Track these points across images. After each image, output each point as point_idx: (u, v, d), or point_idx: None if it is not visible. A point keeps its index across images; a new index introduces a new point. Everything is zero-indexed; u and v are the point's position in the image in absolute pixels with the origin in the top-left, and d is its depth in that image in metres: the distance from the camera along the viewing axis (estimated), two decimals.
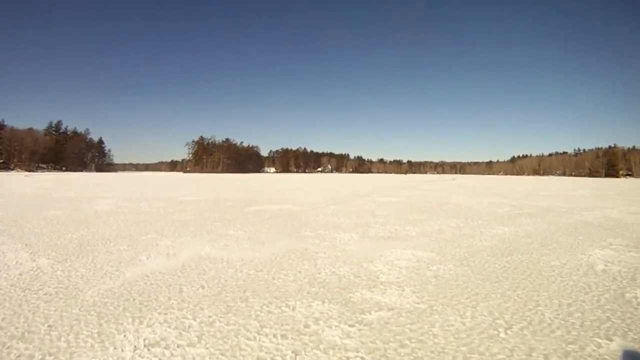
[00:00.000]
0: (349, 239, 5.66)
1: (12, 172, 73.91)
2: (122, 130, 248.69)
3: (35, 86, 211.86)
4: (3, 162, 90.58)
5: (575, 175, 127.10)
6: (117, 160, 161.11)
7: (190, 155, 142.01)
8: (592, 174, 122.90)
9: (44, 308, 2.80)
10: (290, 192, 16.49)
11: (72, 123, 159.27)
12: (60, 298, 3.02)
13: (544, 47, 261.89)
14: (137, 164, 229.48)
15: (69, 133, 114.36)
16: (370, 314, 2.72)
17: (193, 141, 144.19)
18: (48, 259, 4.36)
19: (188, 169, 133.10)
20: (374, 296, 3.11)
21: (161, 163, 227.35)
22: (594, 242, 5.58)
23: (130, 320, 2.58)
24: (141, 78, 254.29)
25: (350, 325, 2.51)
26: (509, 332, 2.43)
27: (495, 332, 2.42)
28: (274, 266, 4.06)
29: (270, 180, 40.24)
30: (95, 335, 2.35)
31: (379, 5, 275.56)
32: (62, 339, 2.30)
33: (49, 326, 2.48)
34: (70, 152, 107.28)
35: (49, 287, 3.32)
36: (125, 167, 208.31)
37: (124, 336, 2.33)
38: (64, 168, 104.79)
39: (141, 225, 6.86)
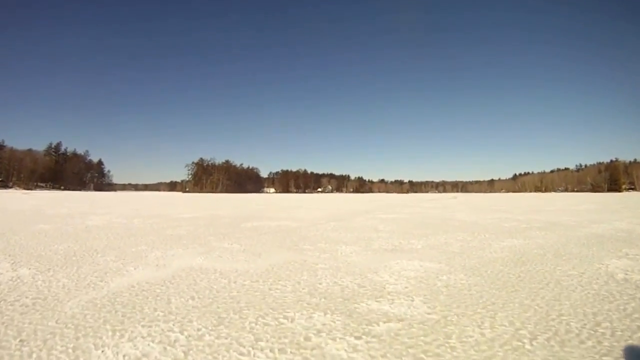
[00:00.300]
0: (351, 251, 5.38)
1: (9, 190, 73.70)
2: (121, 151, 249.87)
3: (36, 107, 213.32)
4: (1, 181, 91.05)
5: (577, 191, 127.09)
6: (116, 180, 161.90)
7: (190, 176, 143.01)
8: (595, 189, 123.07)
9: (18, 320, 2.54)
10: (290, 209, 16.09)
11: (72, 144, 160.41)
12: (37, 310, 2.77)
13: (542, 62, 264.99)
14: (137, 184, 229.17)
15: (68, 154, 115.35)
16: (378, 325, 2.45)
17: (193, 163, 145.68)
18: (30, 269, 4.10)
19: (187, 189, 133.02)
20: (382, 307, 2.83)
21: (160, 184, 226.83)
22: (609, 252, 5.31)
23: (110, 333, 2.32)
24: (140, 99, 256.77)
25: (356, 338, 2.24)
26: (534, 343, 2.16)
27: (520, 344, 2.15)
28: (270, 277, 3.78)
29: (270, 199, 40.07)
30: (70, 350, 2.10)
31: (377, 24, 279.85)
32: (34, 355, 2.04)
33: (20, 340, 2.22)
34: (69, 172, 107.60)
35: (26, 297, 3.07)
36: (124, 188, 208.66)
37: (102, 352, 2.07)
38: (62, 187, 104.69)
39: (132, 239, 6.58)
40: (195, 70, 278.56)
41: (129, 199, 35.08)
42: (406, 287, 3.38)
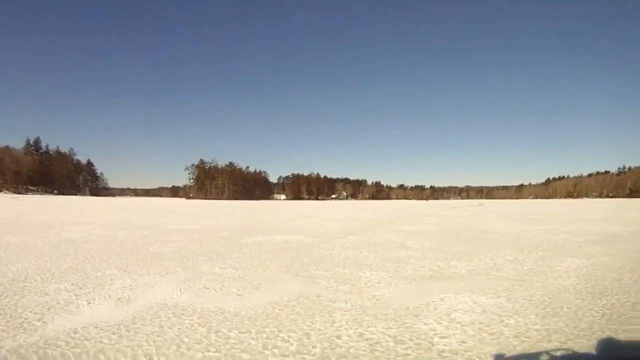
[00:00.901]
0: (378, 279, 4.53)
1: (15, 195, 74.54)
2: (119, 153, 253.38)
3: (11, 101, 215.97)
4: None
5: (613, 197, 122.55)
6: (114, 184, 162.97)
7: (192, 180, 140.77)
8: (633, 194, 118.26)
9: None
10: (301, 219, 15.37)
11: (61, 144, 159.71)
12: None
13: (578, 54, 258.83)
14: (136, 189, 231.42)
15: (51, 152, 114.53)
16: None
17: (193, 165, 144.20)
18: None
19: (191, 195, 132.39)
20: None
21: (162, 189, 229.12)
22: None
23: None
24: (136, 97, 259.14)
25: None
26: None
27: None
28: (268, 324, 2.95)
29: (279, 207, 39.31)
30: None
31: (398, 24, 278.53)
32: None
33: None
34: (58, 174, 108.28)
35: None
36: (123, 192, 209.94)
37: None
38: (55, 191, 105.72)
39: (103, 258, 5.88)
40: (198, 68, 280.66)
41: (125, 205, 34.85)
42: (464, 342, 2.53)
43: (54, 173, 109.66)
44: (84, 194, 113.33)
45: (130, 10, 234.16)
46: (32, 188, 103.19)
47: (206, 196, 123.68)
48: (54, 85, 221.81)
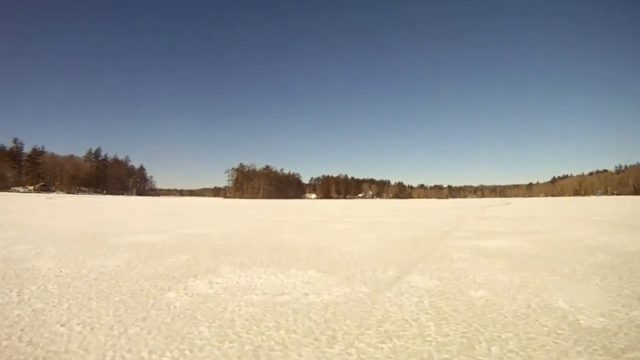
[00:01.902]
0: None
1: (45, 194, 73.47)
2: (168, 158, 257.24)
3: (76, 115, 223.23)
4: (44, 185, 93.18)
5: (617, 194, 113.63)
6: (162, 185, 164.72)
7: (231, 182, 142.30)
8: (638, 191, 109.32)
9: None
10: (326, 225, 9.44)
11: (114, 151, 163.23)
12: None
13: (580, 60, 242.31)
14: (182, 190, 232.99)
15: (109, 160, 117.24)
16: None
17: (233, 169, 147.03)
18: None
19: (228, 194, 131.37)
20: None
21: (205, 189, 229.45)
22: None
23: None
24: (183, 106, 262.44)
25: None
26: None
27: None
28: None
29: (309, 205, 34.01)
30: None
31: (420, 26, 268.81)
32: None
33: None
34: (110, 177, 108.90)
35: None
36: (169, 192, 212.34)
37: None
38: (104, 191, 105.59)
39: None
40: (239, 79, 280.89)
41: (148, 204, 30.35)
42: None
43: (108, 177, 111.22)
44: (130, 194, 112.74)
45: (169, 24, 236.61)
46: (83, 189, 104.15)
47: (242, 196, 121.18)
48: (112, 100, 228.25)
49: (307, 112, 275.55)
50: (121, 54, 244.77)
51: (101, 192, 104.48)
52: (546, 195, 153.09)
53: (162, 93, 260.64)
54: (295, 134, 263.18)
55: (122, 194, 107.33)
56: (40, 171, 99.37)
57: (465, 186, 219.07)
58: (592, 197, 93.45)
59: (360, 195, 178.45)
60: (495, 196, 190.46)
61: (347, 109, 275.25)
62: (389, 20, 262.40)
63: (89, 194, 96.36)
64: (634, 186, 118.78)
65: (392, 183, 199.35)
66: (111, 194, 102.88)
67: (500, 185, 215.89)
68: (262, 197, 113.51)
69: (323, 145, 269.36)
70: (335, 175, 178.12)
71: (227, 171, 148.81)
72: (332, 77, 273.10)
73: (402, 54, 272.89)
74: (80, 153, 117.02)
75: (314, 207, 25.24)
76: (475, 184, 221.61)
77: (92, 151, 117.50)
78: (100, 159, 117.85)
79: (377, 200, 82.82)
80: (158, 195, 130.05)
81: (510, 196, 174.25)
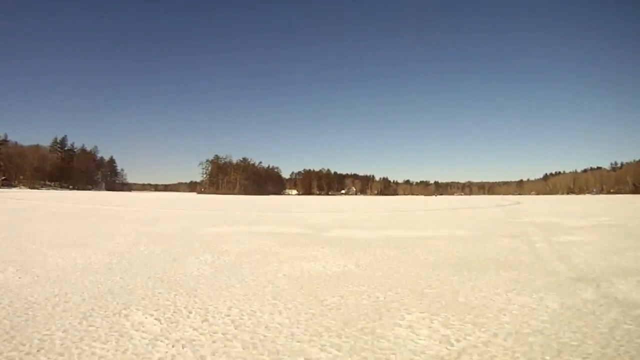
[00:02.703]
0: None
1: (11, 190, 68.77)
2: (141, 151, 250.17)
3: (41, 101, 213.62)
4: (5, 179, 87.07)
5: (614, 192, 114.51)
6: (136, 180, 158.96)
7: (205, 175, 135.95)
8: (638, 189, 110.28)
9: None
10: (308, 265, 7.07)
11: (87, 143, 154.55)
12: None
13: (572, 54, 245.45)
14: (157, 185, 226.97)
15: (76, 150, 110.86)
16: None
17: (207, 160, 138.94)
18: None
19: (203, 189, 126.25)
20: None
21: (180, 184, 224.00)
22: None
23: None
24: (158, 96, 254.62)
25: None
26: None
27: None
28: None
29: (284, 205, 31.68)
30: None
31: (400, 20, 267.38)
32: None
33: None
34: (77, 170, 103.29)
35: None
36: (144, 187, 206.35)
37: None
38: (70, 186, 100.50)
39: None
40: (214, 68, 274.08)
41: (103, 199, 27.49)
42: None
43: (74, 169, 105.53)
44: (100, 189, 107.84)
45: (141, 8, 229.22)
46: (49, 184, 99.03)
47: (217, 191, 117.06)
48: (79, 88, 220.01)
49: (288, 104, 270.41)
50: (89, 36, 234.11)
51: (67, 187, 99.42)
52: (538, 193, 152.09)
53: (136, 80, 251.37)
54: (276, 125, 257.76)
55: (90, 189, 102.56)
56: (1, 163, 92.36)
57: (452, 182, 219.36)
58: (588, 196, 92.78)
59: (343, 191, 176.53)
60: (484, 193, 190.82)
61: (330, 100, 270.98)
62: (375, 14, 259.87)
63: (54, 188, 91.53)
64: (633, 184, 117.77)
65: (377, 178, 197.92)
66: (77, 188, 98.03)
67: (488, 182, 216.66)
68: (239, 193, 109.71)
69: (304, 138, 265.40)
70: (317, 169, 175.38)
71: (200, 163, 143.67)
72: (315, 67, 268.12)
73: (385, 46, 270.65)
74: (45, 142, 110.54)
75: (291, 207, 22.24)
76: (462, 181, 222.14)
77: (58, 140, 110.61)
78: (66, 149, 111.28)
79: (364, 198, 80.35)
80: (130, 190, 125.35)
81: (500, 193, 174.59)
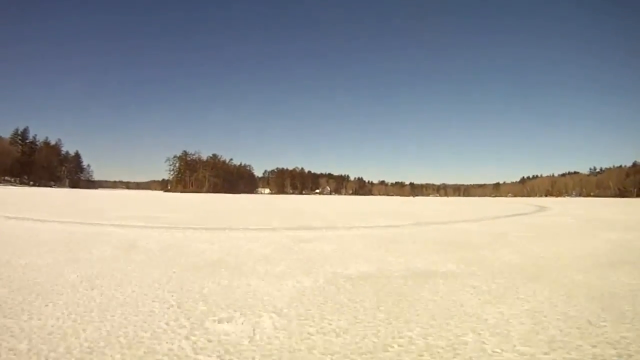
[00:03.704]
0: None
1: None
2: (112, 146, 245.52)
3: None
4: None
5: (596, 196, 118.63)
6: (108, 177, 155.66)
7: (172, 173, 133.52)
8: (623, 193, 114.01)
9: None
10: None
11: (52, 134, 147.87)
12: None
13: (551, 56, 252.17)
14: (128, 182, 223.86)
15: (37, 143, 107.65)
16: None
17: (175, 156, 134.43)
18: None
19: (169, 188, 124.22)
20: None
21: (152, 182, 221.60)
22: None
23: None
24: (130, 85, 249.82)
25: None
26: None
27: None
28: None
29: (245, 205, 32.79)
30: None
31: (378, 22, 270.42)
32: None
33: None
34: (38, 165, 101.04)
35: None
36: (115, 185, 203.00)
37: None
38: (31, 182, 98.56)
39: None
40: (186, 62, 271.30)
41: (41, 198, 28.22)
42: None
43: (36, 164, 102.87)
44: (63, 186, 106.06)
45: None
46: (8, 179, 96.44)
47: (184, 189, 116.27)
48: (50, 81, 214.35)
49: (261, 100, 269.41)
50: (53, 23, 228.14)
51: (27, 183, 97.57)
52: (515, 196, 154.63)
53: (113, 73, 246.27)
54: (248, 123, 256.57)
55: (52, 186, 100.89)
56: None
57: (427, 184, 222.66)
58: (568, 198, 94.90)
59: (317, 190, 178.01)
60: (460, 195, 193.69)
61: (305, 98, 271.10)
62: (351, 12, 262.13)
63: (13, 184, 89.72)
64: (619, 189, 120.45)
65: (352, 178, 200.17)
66: (38, 185, 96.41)
67: (464, 185, 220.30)
68: (208, 191, 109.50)
69: (278, 137, 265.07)
70: (290, 168, 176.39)
71: (167, 159, 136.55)
72: (290, 64, 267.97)
73: (362, 45, 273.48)
74: (5, 134, 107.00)
75: (249, 209, 22.86)
76: (437, 182, 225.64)
77: (19, 132, 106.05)
78: (28, 141, 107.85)
79: (340, 198, 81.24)
80: (96, 188, 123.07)
81: (475, 195, 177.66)
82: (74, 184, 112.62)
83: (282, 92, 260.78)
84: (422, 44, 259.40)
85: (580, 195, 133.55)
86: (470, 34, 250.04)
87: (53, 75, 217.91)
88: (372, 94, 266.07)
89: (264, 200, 35.92)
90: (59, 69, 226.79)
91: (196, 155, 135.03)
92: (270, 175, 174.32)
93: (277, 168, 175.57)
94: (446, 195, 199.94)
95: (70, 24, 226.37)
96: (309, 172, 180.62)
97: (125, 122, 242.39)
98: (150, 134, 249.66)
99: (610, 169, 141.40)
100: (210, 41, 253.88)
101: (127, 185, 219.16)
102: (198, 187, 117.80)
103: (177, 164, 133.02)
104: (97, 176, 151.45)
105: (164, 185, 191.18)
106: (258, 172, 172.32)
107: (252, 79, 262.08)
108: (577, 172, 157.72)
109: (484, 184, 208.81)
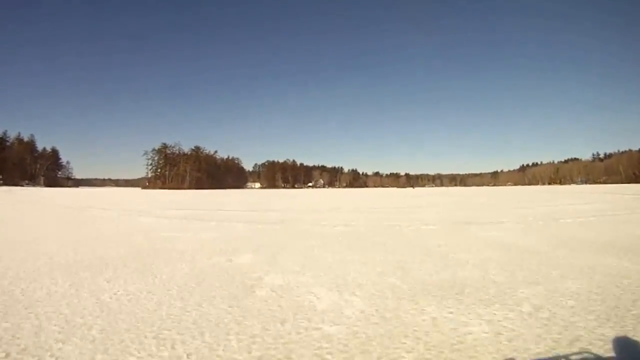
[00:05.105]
0: None
1: None
2: (100, 142, 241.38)
3: None
4: None
5: (603, 182, 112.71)
6: (97, 175, 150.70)
7: (150, 167, 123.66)
8: (638, 179, 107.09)
9: None
10: None
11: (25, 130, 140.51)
12: None
13: (548, 44, 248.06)
14: (117, 180, 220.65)
15: (8, 139, 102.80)
16: None
17: (153, 149, 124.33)
18: None
19: (147, 184, 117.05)
20: None
21: (142, 179, 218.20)
22: None
23: None
24: (115, 87, 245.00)
25: None
26: None
27: None
28: None
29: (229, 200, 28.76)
30: None
31: (372, 13, 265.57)
32: None
33: None
34: (9, 162, 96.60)
35: None
36: (104, 183, 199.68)
37: None
38: (1, 181, 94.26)
39: None
40: (175, 47, 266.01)
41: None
42: None
43: (7, 161, 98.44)
44: (37, 185, 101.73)
45: None
46: None
47: (164, 185, 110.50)
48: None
49: (252, 90, 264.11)
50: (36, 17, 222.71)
51: None
52: (515, 184, 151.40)
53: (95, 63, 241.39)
54: (237, 112, 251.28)
55: (25, 185, 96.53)
56: None
57: (422, 174, 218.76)
58: (573, 186, 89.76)
59: (310, 184, 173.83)
60: (456, 185, 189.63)
61: (296, 88, 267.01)
62: (347, 5, 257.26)
63: None
64: (634, 173, 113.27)
65: (346, 170, 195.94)
66: (7, 184, 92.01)
67: (460, 174, 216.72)
68: (189, 187, 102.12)
69: (268, 128, 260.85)
70: (281, 161, 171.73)
71: (145, 153, 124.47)
72: (280, 53, 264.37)
73: (356, 37, 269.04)
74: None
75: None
76: (431, 172, 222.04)
77: None
78: None
79: (338, 191, 76.37)
80: (77, 186, 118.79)
81: (473, 185, 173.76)
82: (51, 182, 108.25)
83: (272, 82, 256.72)
84: (417, 30, 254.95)
85: (586, 182, 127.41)
86: (465, 19, 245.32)
87: (37, 76, 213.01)
88: (365, 83, 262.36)
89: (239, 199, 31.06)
90: (46, 68, 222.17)
91: (177, 148, 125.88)
92: (261, 169, 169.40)
93: (267, 161, 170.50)
94: (442, 185, 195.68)
95: (47, 18, 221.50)
96: (301, 164, 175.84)
97: (112, 118, 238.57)
98: (140, 130, 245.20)
99: (616, 153, 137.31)
100: (196, 29, 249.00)
101: (117, 183, 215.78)
102: (179, 183, 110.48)
103: (155, 158, 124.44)
104: (86, 174, 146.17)
105: (143, 183, 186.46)
106: (248, 166, 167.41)
107: (241, 69, 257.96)
108: (577, 159, 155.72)
109: (481, 173, 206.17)
